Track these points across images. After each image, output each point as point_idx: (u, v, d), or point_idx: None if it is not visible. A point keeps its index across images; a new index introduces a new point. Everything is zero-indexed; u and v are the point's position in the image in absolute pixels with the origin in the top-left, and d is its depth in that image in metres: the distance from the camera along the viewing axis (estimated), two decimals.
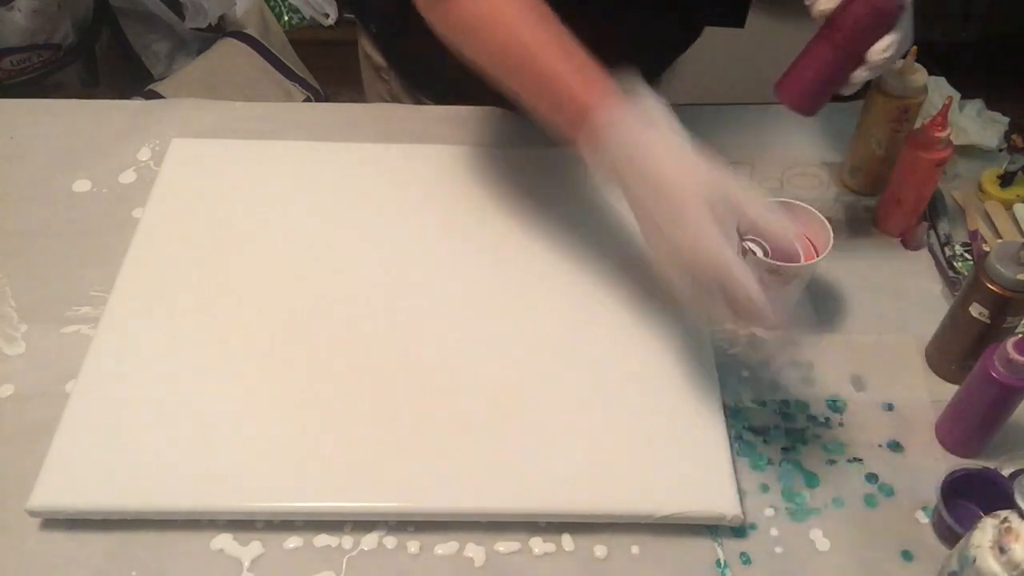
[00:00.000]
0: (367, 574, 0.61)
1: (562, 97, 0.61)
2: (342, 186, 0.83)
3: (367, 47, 0.99)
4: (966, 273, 0.78)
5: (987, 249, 0.79)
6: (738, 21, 0.88)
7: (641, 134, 0.59)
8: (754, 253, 0.69)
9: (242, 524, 0.62)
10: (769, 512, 0.64)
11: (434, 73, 0.94)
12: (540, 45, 0.62)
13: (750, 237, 0.72)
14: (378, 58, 0.97)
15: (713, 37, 0.92)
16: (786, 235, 0.56)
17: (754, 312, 0.56)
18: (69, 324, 0.73)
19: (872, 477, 0.66)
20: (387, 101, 1.00)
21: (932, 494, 0.62)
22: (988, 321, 0.66)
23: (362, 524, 0.63)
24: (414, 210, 0.81)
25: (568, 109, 0.61)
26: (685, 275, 0.57)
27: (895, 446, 0.68)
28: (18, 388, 0.70)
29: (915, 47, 0.76)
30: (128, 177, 0.86)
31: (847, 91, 0.65)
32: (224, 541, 0.62)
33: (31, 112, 0.92)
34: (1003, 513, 0.52)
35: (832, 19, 0.63)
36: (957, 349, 0.70)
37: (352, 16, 1.01)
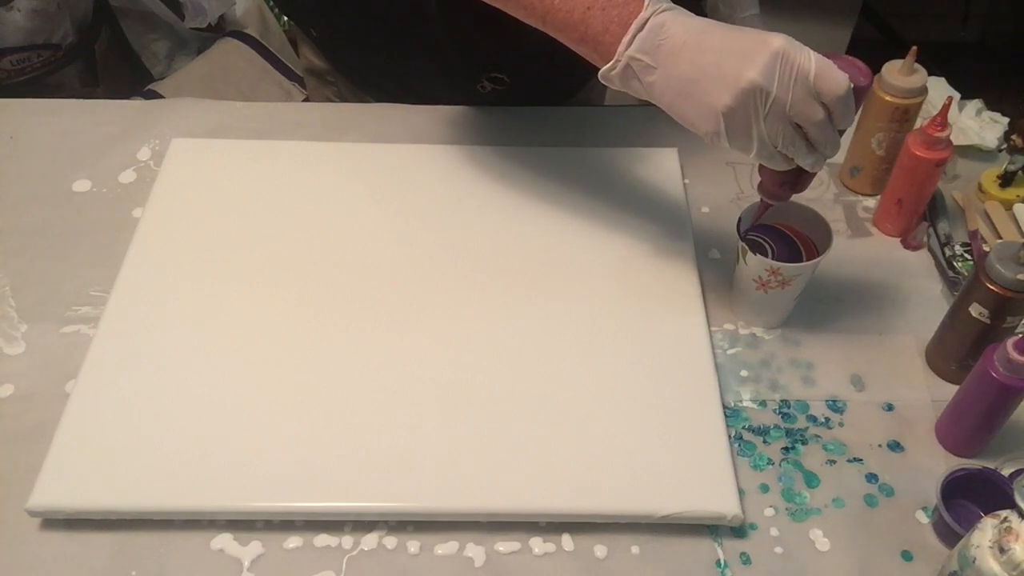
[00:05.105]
0: (367, 574, 0.61)
1: (608, 11, 0.60)
2: (342, 186, 0.83)
3: (309, 54, 0.98)
4: (966, 273, 0.78)
5: (987, 249, 0.79)
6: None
7: (700, 19, 0.60)
8: (754, 254, 0.69)
9: (242, 524, 0.62)
10: (769, 512, 0.64)
11: (379, 73, 0.94)
12: None
13: (752, 235, 0.72)
14: (321, 63, 0.97)
15: None
16: (844, 84, 0.57)
17: (839, 96, 0.56)
18: (69, 324, 0.74)
19: (872, 477, 0.66)
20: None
21: (932, 494, 0.62)
22: (988, 321, 0.66)
23: (362, 524, 0.63)
24: (415, 210, 0.81)
25: (614, 23, 0.60)
26: (754, 114, 0.58)
27: (895, 446, 0.68)
28: (18, 388, 0.70)
29: (915, 47, 0.76)
30: (128, 177, 0.86)
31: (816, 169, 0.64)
32: (224, 541, 0.62)
33: (31, 112, 0.92)
34: (1003, 513, 0.52)
35: None
36: (957, 349, 0.70)
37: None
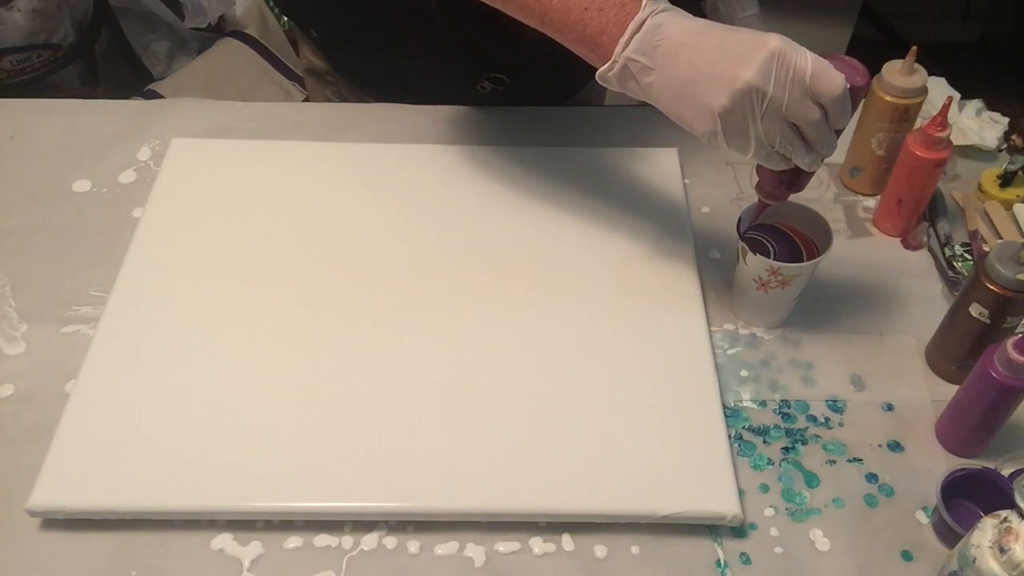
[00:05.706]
0: (367, 574, 0.61)
1: (605, 12, 0.60)
2: (342, 186, 0.83)
3: (309, 54, 0.98)
4: (966, 273, 0.78)
5: (987, 249, 0.79)
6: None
7: (697, 19, 0.60)
8: (754, 255, 0.69)
9: (242, 524, 0.62)
10: (769, 512, 0.64)
11: (380, 73, 0.94)
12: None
13: (753, 235, 0.72)
14: (321, 63, 0.97)
15: None
16: (841, 84, 0.57)
17: (835, 97, 0.56)
18: (69, 324, 0.74)
19: (872, 477, 0.66)
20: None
21: (932, 494, 0.62)
22: (988, 321, 0.66)
23: (362, 524, 0.63)
24: (415, 210, 0.81)
25: (611, 24, 0.60)
26: (751, 115, 0.57)
27: (895, 446, 0.68)
28: (18, 388, 0.70)
29: (915, 47, 0.76)
30: (128, 177, 0.86)
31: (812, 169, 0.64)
32: (224, 541, 0.62)
33: (31, 112, 0.92)
34: (1003, 513, 0.52)
35: None
36: (957, 349, 0.70)
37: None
